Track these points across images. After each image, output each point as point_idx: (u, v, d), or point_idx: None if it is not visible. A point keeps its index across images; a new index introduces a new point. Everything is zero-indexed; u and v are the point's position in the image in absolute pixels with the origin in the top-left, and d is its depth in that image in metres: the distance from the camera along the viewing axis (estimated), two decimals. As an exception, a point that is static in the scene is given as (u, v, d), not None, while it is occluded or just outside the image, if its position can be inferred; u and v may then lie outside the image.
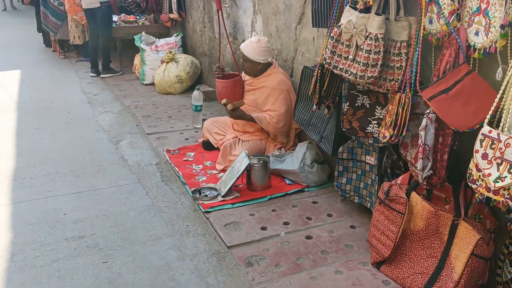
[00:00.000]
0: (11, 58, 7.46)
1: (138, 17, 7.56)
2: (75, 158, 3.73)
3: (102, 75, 6.26)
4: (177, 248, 2.59)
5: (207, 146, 3.87)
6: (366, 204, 2.82)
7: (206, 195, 3.10)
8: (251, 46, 3.50)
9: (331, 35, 2.50)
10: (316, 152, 3.31)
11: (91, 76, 6.35)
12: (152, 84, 5.91)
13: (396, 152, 2.60)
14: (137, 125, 4.50)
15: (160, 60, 5.85)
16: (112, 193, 3.19)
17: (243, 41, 4.53)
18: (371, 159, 2.74)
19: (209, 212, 2.92)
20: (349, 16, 2.44)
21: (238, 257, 2.49)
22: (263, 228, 2.76)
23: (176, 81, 5.57)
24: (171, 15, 6.36)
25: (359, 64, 2.36)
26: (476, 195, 1.85)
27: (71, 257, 2.49)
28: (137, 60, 6.48)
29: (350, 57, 2.41)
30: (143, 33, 6.28)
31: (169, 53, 5.70)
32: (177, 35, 6.40)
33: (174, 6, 6.18)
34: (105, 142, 4.10)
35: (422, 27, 2.15)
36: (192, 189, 3.17)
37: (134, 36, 6.24)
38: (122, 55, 6.76)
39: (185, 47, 6.34)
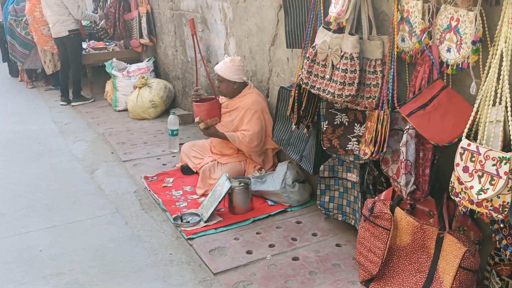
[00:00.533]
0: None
1: (107, 43, 7.50)
2: (49, 190, 3.61)
3: (72, 103, 6.14)
4: (161, 279, 2.51)
5: (186, 170, 3.82)
6: (350, 222, 2.82)
7: (188, 221, 3.04)
8: (225, 66, 3.51)
9: (307, 55, 2.53)
10: (296, 171, 3.30)
11: (61, 104, 6.23)
12: (125, 110, 5.84)
13: (377, 168, 2.62)
14: (112, 153, 4.41)
15: (132, 86, 5.79)
16: (90, 224, 3.09)
17: (217, 63, 4.56)
18: (353, 176, 2.76)
19: (193, 238, 2.86)
20: (323, 36, 2.48)
21: (225, 283, 2.44)
22: (249, 252, 2.72)
23: (150, 106, 5.52)
24: (142, 41, 6.33)
25: (336, 83, 2.38)
26: (460, 207, 1.88)
27: (50, 295, 2.39)
28: (108, 86, 6.40)
29: (327, 76, 2.44)
30: (114, 59, 6.22)
31: (142, 78, 5.65)
32: (148, 60, 6.37)
33: (145, 32, 6.15)
34: (79, 172, 3.99)
35: (395, 45, 2.20)
36: (173, 216, 3.11)
37: (105, 63, 6.17)
38: (92, 82, 6.66)
39: (157, 72, 6.31)
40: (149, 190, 3.55)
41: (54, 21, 5.84)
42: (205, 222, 3.02)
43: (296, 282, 2.44)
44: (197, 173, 3.77)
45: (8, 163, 4.22)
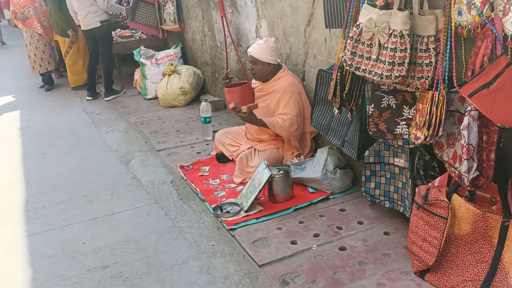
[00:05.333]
0: (5, 83, 7.36)
1: (134, 31, 7.45)
2: (87, 182, 3.60)
3: (106, 98, 6.03)
4: (206, 271, 2.45)
5: (222, 158, 3.74)
6: (398, 209, 2.69)
7: (228, 211, 2.97)
8: (259, 47, 3.38)
9: (350, 35, 2.38)
10: (337, 157, 3.18)
11: (87, 100, 6.09)
12: (155, 98, 5.80)
13: (429, 153, 2.48)
14: (145, 142, 4.38)
15: (161, 73, 5.73)
16: (129, 216, 3.05)
17: (248, 47, 4.44)
18: (401, 161, 2.62)
19: (234, 229, 2.79)
20: (368, 14, 2.32)
21: (271, 276, 2.36)
22: (293, 242, 2.63)
23: (180, 93, 5.45)
24: (166, 27, 6.22)
25: (384, 64, 2.24)
26: (531, 194, 1.73)
27: (96, 289, 2.36)
28: (137, 75, 6.37)
29: (373, 56, 2.29)
30: (142, 47, 6.16)
31: (170, 65, 5.58)
32: (176, 47, 6.29)
33: (171, 17, 6.06)
34: (115, 162, 3.97)
35: (452, 19, 2.03)
36: (212, 206, 3.04)
37: (133, 51, 6.11)
38: (120, 71, 6.62)
39: (185, 58, 6.23)
40: (186, 180, 3.49)
41: (84, 13, 5.70)
42: (246, 211, 2.94)
43: (345, 274, 2.34)
44: (232, 161, 3.69)
45: (44, 155, 4.23)
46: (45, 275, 2.49)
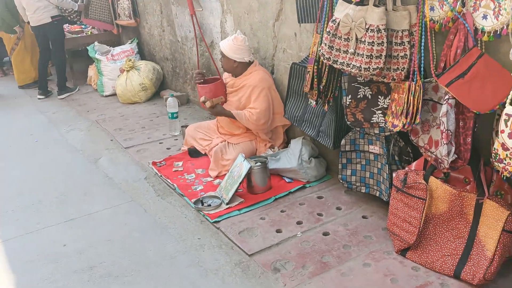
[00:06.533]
0: None
1: (83, 26, 7.20)
2: (56, 183, 3.49)
3: (59, 97, 5.78)
4: (196, 264, 2.49)
5: (194, 153, 3.76)
6: (374, 193, 2.85)
7: (210, 205, 3.01)
8: (228, 43, 3.42)
9: (327, 30, 2.48)
10: (311, 147, 3.30)
11: (39, 98, 5.82)
12: (113, 95, 5.66)
13: (403, 139, 2.65)
14: (111, 140, 4.29)
15: (119, 69, 5.60)
16: (109, 215, 3.01)
17: (212, 42, 4.46)
18: (375, 148, 2.77)
19: (218, 221, 2.84)
20: (343, 9, 2.43)
21: (262, 264, 2.44)
22: (278, 231, 2.71)
23: (140, 89, 5.36)
24: (121, 22, 6.08)
25: (362, 57, 2.36)
26: (504, 173, 1.92)
27: (87, 290, 2.33)
28: (92, 71, 6.18)
29: (351, 50, 2.41)
30: (96, 43, 5.98)
31: (129, 61, 5.47)
32: (131, 42, 6.15)
33: (125, 12, 5.92)
34: (82, 162, 3.87)
35: (427, 14, 2.18)
36: (193, 200, 3.06)
37: (87, 47, 5.92)
38: (73, 68, 6.37)
39: (142, 53, 6.11)
40: (161, 176, 3.48)
41: (34, 9, 5.43)
42: (227, 204, 2.99)
43: (332, 257, 2.46)
44: (205, 155, 3.72)
45: (3, 158, 4.04)
46: (30, 279, 2.42)
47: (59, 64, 5.85)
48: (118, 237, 2.76)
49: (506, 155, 1.88)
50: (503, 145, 1.88)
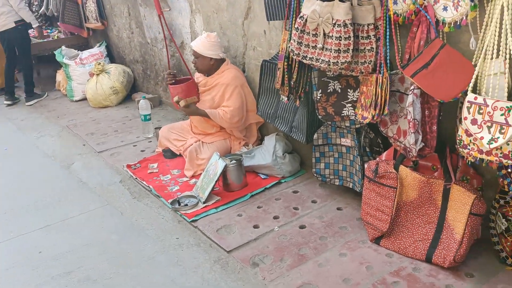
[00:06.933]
0: None
1: (49, 30, 7.08)
2: (29, 190, 3.42)
3: (27, 103, 5.64)
4: (176, 264, 2.50)
5: (169, 154, 3.75)
6: (348, 185, 2.91)
7: (186, 204, 3.02)
8: (201, 42, 3.43)
9: (295, 26, 2.53)
10: (285, 142, 3.34)
11: (6, 105, 5.67)
12: (84, 99, 5.58)
13: (373, 131, 2.72)
14: (84, 145, 4.23)
15: (88, 73, 5.53)
16: (85, 220, 2.98)
17: (182, 43, 4.46)
18: (347, 141, 2.84)
19: (196, 220, 2.85)
20: (310, 6, 2.48)
21: (241, 259, 2.47)
22: (256, 227, 2.75)
23: (111, 92, 5.31)
24: (90, 25, 6.01)
25: (330, 52, 2.41)
26: (468, 158, 2.00)
27: (65, 296, 2.31)
28: (60, 76, 6.07)
29: (319, 45, 2.46)
30: (63, 47, 5.88)
31: (98, 64, 5.40)
32: (100, 45, 6.08)
33: (93, 15, 5.85)
34: (55, 168, 3.81)
35: (390, 8, 2.25)
36: (169, 201, 3.07)
37: (54, 52, 5.81)
38: (40, 74, 6.25)
39: (111, 56, 6.05)
40: (136, 178, 3.46)
41: None
42: (204, 203, 3.00)
43: (309, 249, 2.51)
44: (180, 155, 3.72)
45: (-29, 167, 3.94)
46: (9, 286, 2.37)
47: (26, 70, 5.73)
48: (95, 241, 2.74)
49: (470, 141, 1.96)
50: (466, 131, 1.96)
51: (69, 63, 5.66)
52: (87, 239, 2.76)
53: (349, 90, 2.63)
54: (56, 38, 6.59)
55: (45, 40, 6.35)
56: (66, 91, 5.83)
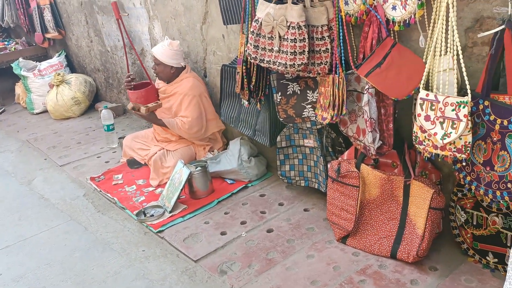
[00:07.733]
0: None
1: (6, 42, 6.86)
2: (-13, 211, 3.30)
3: None
4: (142, 277, 2.44)
5: (133, 164, 3.68)
6: (313, 185, 2.92)
7: (152, 215, 2.96)
8: (163, 49, 3.37)
9: (251, 30, 2.52)
10: (250, 146, 3.33)
11: None
12: (45, 112, 5.44)
13: (334, 131, 2.73)
14: (45, 159, 4.11)
15: (48, 84, 5.38)
16: (46, 237, 2.89)
17: (142, 50, 4.39)
18: (310, 142, 2.84)
19: (162, 231, 2.80)
20: (264, 9, 2.47)
21: (208, 268, 2.44)
22: (223, 233, 2.72)
23: (73, 103, 5.18)
24: (48, 35, 5.85)
25: (286, 54, 2.41)
26: (424, 154, 2.03)
27: (26, 319, 2.23)
28: (19, 89, 5.90)
29: (275, 48, 2.45)
30: (21, 59, 5.71)
31: (57, 75, 5.26)
32: (59, 55, 5.93)
33: (50, 24, 5.70)
34: (14, 185, 3.68)
35: (342, 9, 2.26)
36: (134, 212, 3.01)
37: (11, 64, 5.64)
38: (-2, 87, 6.07)
39: (72, 66, 5.91)
40: (100, 191, 3.38)
41: None
42: (170, 212, 2.96)
43: (277, 253, 2.50)
44: (145, 165, 3.66)
45: None
46: (-36, 316, 2.28)
47: None
48: (57, 259, 2.66)
49: (425, 137, 1.99)
50: (421, 127, 1.99)
51: (27, 75, 5.50)
52: (49, 258, 2.68)
53: (308, 91, 2.64)
54: (13, 50, 6.39)
55: (2, 52, 6.16)
56: (26, 104, 5.67)
